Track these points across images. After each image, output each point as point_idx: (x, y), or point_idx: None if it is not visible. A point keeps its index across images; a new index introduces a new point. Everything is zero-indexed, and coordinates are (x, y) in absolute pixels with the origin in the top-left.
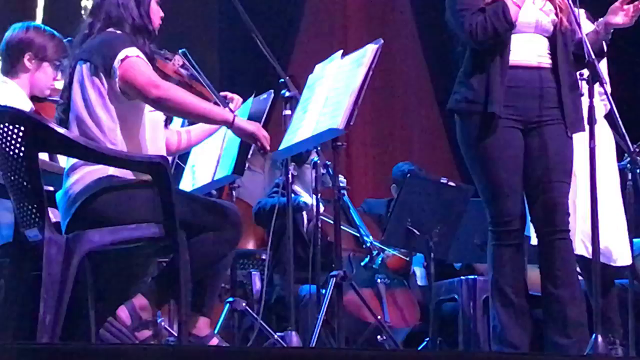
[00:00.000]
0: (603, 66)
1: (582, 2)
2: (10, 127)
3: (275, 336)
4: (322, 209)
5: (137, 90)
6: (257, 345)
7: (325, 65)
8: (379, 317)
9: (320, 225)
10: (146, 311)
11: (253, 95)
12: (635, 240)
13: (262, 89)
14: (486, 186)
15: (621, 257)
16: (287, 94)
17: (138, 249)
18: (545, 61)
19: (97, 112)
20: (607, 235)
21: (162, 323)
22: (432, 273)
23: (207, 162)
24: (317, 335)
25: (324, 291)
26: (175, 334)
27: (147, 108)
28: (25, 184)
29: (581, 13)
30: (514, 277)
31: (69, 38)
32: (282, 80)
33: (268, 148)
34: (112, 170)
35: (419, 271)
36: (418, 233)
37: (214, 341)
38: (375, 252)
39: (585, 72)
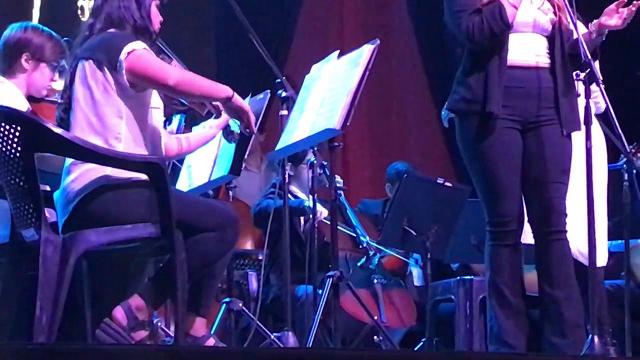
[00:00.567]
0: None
1: (577, 3)
2: (7, 127)
3: (272, 336)
4: (325, 212)
5: (154, 80)
6: (254, 345)
7: (322, 66)
8: (375, 317)
9: (316, 225)
10: (142, 311)
11: (249, 96)
12: (631, 240)
13: (258, 89)
14: (484, 186)
15: (602, 258)
16: (284, 94)
17: (134, 249)
18: (544, 61)
19: (100, 108)
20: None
21: (159, 323)
22: (428, 273)
23: (203, 162)
24: (313, 335)
25: (320, 291)
26: (172, 335)
27: (153, 103)
28: (21, 184)
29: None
30: (511, 278)
31: (66, 38)
32: (279, 80)
33: (255, 130)
34: (109, 170)
35: (415, 271)
36: (414, 233)
37: (211, 341)
38: (371, 253)
39: (582, 73)
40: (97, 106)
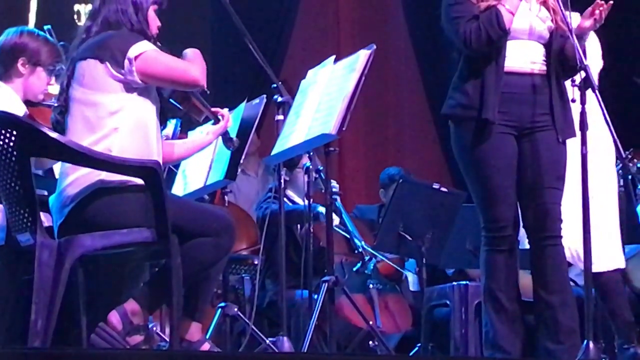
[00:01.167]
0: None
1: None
2: (3, 132)
3: (267, 341)
4: (337, 220)
5: (176, 82)
6: (249, 350)
7: (318, 71)
8: (370, 322)
9: (312, 230)
10: (138, 316)
11: (245, 100)
12: (630, 247)
13: (254, 94)
14: (480, 192)
15: (616, 261)
16: (280, 99)
17: (130, 253)
18: (539, 68)
19: (98, 104)
20: (599, 241)
21: (154, 328)
22: (424, 278)
23: (199, 167)
24: (308, 340)
25: (316, 296)
26: (167, 339)
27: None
28: (17, 188)
29: (575, 16)
30: (506, 283)
31: (62, 42)
32: (275, 85)
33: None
34: (105, 175)
35: (411, 277)
36: (410, 238)
37: (206, 346)
38: (367, 258)
39: (577, 78)
40: (96, 105)
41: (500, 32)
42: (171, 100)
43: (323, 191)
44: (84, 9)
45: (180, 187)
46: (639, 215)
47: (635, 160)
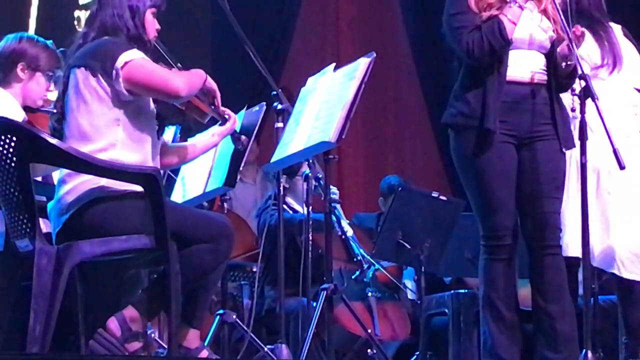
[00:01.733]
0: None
1: (618, 18)
2: (2, 137)
3: (265, 349)
4: (351, 232)
5: (157, 90)
6: (247, 357)
7: (318, 78)
8: (369, 330)
9: (311, 238)
10: (136, 322)
11: (245, 108)
12: None
13: (254, 102)
14: (479, 200)
15: None
16: (280, 106)
17: (129, 260)
18: (540, 77)
19: (94, 115)
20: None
21: (152, 335)
22: (422, 287)
23: (198, 174)
24: (307, 348)
25: (314, 304)
26: (165, 346)
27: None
28: (16, 194)
29: (618, 29)
30: (505, 292)
31: (62, 49)
32: (275, 92)
33: (219, 103)
34: (104, 181)
35: (409, 285)
36: (409, 246)
37: (204, 353)
38: (366, 266)
39: (577, 88)
40: (91, 113)
41: (502, 42)
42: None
43: (323, 198)
44: (84, 15)
45: (180, 194)
46: None
47: None
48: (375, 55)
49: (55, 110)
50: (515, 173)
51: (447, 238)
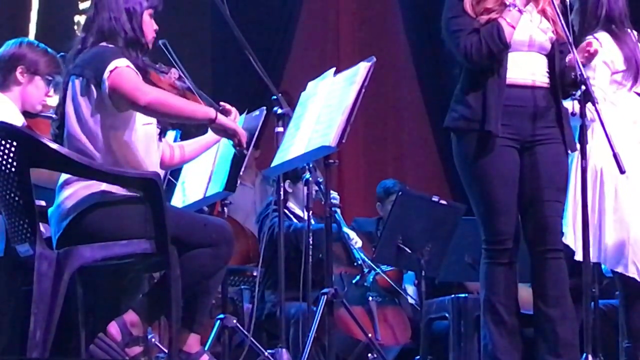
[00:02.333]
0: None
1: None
2: (3, 142)
3: (266, 353)
4: (360, 243)
5: (126, 99)
6: None
7: (318, 83)
8: (369, 335)
9: (312, 242)
10: (137, 327)
11: (245, 112)
12: None
13: (254, 106)
14: (481, 204)
15: None
16: (280, 111)
17: (129, 265)
18: (541, 80)
19: (90, 125)
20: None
21: (153, 339)
22: (422, 291)
23: (199, 179)
24: (307, 352)
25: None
26: (166, 350)
27: (140, 121)
28: (16, 199)
29: (634, 35)
30: (506, 296)
31: (62, 53)
32: (275, 97)
33: (245, 145)
34: (104, 186)
35: (410, 289)
36: (409, 251)
37: (204, 358)
38: (366, 270)
39: (577, 92)
40: (85, 124)
41: (501, 45)
42: None
43: (323, 203)
44: (84, 20)
45: (180, 199)
46: None
47: None
48: (375, 59)
49: (55, 117)
50: (517, 177)
51: (447, 242)
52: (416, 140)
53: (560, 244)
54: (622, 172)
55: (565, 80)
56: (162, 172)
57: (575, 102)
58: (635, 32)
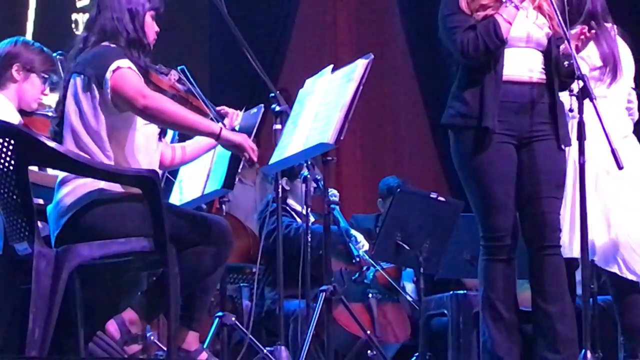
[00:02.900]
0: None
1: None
2: (0, 140)
3: (265, 351)
4: (366, 246)
5: (126, 100)
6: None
7: (316, 80)
8: (368, 332)
9: (310, 238)
10: (135, 325)
11: (243, 110)
12: None
13: (252, 104)
14: (479, 201)
15: None
16: (277, 108)
17: (128, 263)
18: (538, 76)
19: (91, 124)
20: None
21: (152, 337)
22: (421, 288)
23: (197, 176)
24: (306, 350)
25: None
26: (165, 349)
27: (140, 121)
28: (14, 197)
29: (613, 29)
30: (504, 292)
31: (60, 52)
32: (273, 94)
33: (255, 159)
34: (102, 184)
35: (409, 286)
36: (408, 248)
37: (203, 356)
38: (365, 268)
39: (575, 88)
40: (86, 122)
41: (497, 42)
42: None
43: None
44: (81, 18)
45: (178, 197)
46: None
47: None
48: (373, 56)
49: (55, 114)
50: (515, 173)
51: (446, 239)
52: (414, 137)
53: (558, 240)
54: (620, 167)
55: (561, 70)
56: (160, 171)
57: (573, 98)
58: (615, 27)
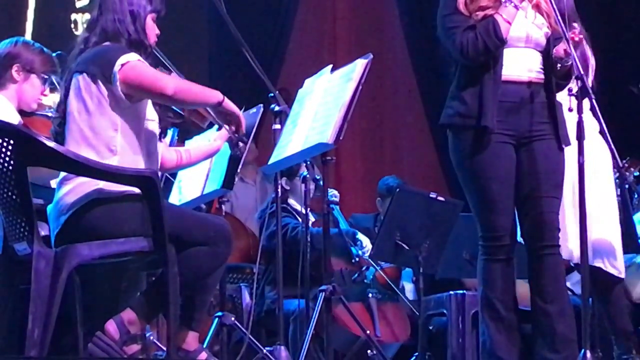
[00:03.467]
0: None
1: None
2: (0, 141)
3: (264, 350)
4: (369, 247)
5: (148, 90)
6: (246, 359)
7: (315, 80)
8: (368, 331)
9: (310, 240)
10: (135, 325)
11: (242, 110)
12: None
13: (251, 103)
14: (478, 201)
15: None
16: (277, 108)
17: (127, 262)
18: (537, 76)
19: (95, 121)
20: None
21: (151, 337)
22: (421, 288)
23: (196, 176)
24: (306, 349)
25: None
26: (164, 348)
27: (148, 114)
28: (14, 197)
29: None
30: (503, 292)
31: (59, 52)
32: (272, 94)
33: (243, 131)
34: (102, 184)
35: (408, 286)
36: (407, 247)
37: (203, 355)
38: (364, 267)
39: (574, 87)
40: (91, 119)
41: (497, 42)
42: (173, 107)
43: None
44: (81, 18)
45: (177, 197)
46: (635, 224)
47: (632, 169)
48: (372, 56)
49: (56, 115)
50: (513, 173)
51: (445, 239)
52: (414, 137)
53: (557, 239)
54: (618, 167)
55: (556, 72)
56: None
57: (573, 97)
58: (579, 26)
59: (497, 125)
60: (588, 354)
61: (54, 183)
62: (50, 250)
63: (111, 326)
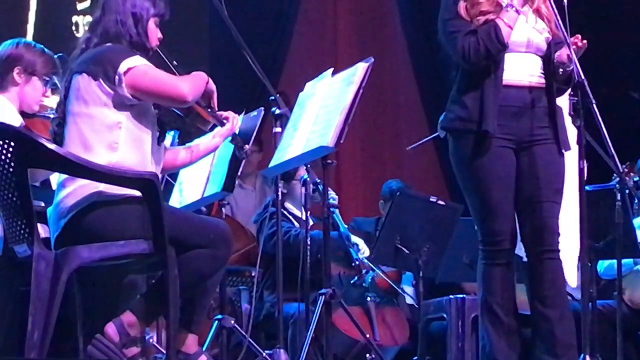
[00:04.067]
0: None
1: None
2: (0, 143)
3: (264, 354)
4: (367, 252)
5: (163, 96)
6: None
7: (316, 83)
8: (367, 335)
9: (309, 243)
10: (134, 328)
11: (243, 113)
12: (623, 261)
13: (252, 107)
14: (478, 205)
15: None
16: (278, 111)
17: (127, 265)
18: (537, 80)
19: (95, 120)
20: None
21: (151, 340)
22: (420, 292)
23: (196, 179)
24: (305, 353)
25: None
26: (164, 351)
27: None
28: (14, 199)
29: None
30: (503, 296)
31: (60, 54)
32: (273, 97)
33: (238, 123)
34: (102, 186)
35: (408, 290)
36: (407, 251)
37: (202, 358)
38: (364, 271)
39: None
40: (92, 118)
41: (499, 46)
42: (174, 109)
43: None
44: (82, 20)
45: (177, 199)
46: (636, 229)
47: (631, 174)
48: (373, 60)
49: (55, 115)
50: (514, 177)
51: (445, 243)
52: (414, 141)
53: (558, 244)
54: (619, 172)
55: (557, 77)
56: (159, 174)
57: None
58: None
59: (497, 130)
60: (588, 359)
61: (54, 184)
62: (50, 253)
63: (111, 328)
